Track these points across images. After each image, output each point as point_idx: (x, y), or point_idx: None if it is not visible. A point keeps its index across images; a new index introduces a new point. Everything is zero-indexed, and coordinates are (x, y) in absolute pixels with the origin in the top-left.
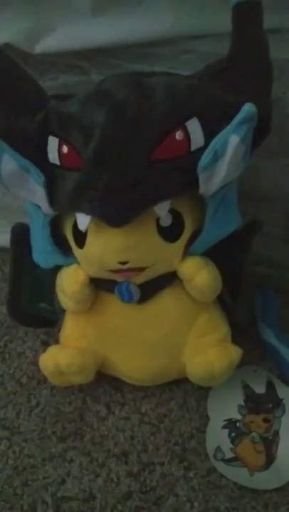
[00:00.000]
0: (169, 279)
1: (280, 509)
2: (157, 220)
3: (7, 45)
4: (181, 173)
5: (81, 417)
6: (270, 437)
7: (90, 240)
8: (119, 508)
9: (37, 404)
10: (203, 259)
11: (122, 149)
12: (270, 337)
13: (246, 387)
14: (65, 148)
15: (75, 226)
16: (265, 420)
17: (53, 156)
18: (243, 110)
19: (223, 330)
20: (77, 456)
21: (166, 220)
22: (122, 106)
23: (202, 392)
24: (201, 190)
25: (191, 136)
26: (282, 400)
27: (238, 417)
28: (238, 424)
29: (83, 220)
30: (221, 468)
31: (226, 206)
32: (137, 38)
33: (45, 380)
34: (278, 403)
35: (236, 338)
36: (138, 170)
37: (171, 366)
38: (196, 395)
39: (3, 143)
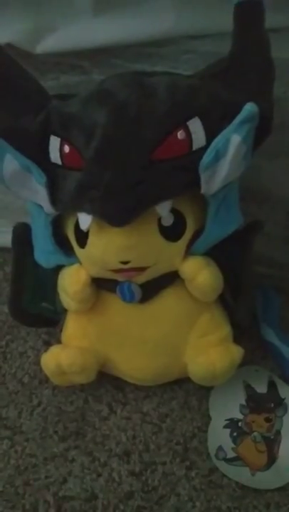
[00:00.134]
0: (171, 278)
1: (281, 509)
2: (159, 220)
3: (8, 45)
4: (183, 173)
5: (83, 416)
6: (272, 437)
7: (91, 239)
8: (121, 507)
9: (39, 404)
10: (204, 258)
11: (123, 149)
12: (272, 337)
13: (248, 387)
14: (66, 148)
15: (76, 226)
16: (267, 420)
17: (54, 156)
18: (245, 110)
19: (225, 330)
20: (79, 456)
21: (168, 220)
22: (123, 106)
23: (204, 391)
24: (203, 189)
25: (193, 136)
26: (283, 399)
27: (240, 416)
28: (239, 423)
29: (85, 220)
30: (223, 467)
31: (228, 206)
32: (138, 38)
33: (46, 379)
34: (280, 403)
35: (238, 337)
36: (139, 169)
37: (172, 366)
38: (197, 395)
39: (4, 143)
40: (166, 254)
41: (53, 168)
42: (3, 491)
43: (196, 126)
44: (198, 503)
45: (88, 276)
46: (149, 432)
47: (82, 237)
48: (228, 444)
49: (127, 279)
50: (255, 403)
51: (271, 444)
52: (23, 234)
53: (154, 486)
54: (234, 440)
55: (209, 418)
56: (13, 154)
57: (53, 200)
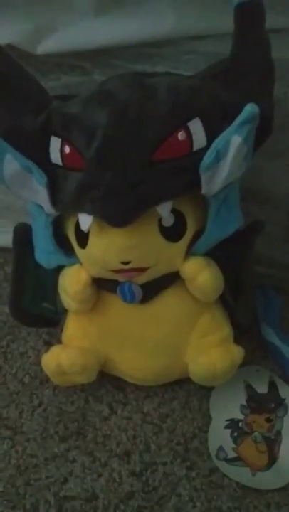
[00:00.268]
0: (172, 279)
1: (282, 509)
2: (159, 220)
3: (9, 46)
4: (183, 174)
5: (83, 416)
6: (273, 437)
7: (92, 240)
8: (122, 507)
9: (39, 404)
10: (205, 259)
11: (124, 150)
12: (272, 337)
13: (248, 387)
14: (67, 149)
15: (77, 226)
16: (268, 420)
17: (55, 157)
18: (245, 110)
19: (226, 330)
20: (80, 456)
21: (169, 220)
22: (124, 106)
23: (204, 392)
24: (203, 190)
25: (193, 137)
26: (284, 399)
27: (241, 416)
28: (240, 423)
29: (85, 220)
30: (224, 468)
31: (228, 206)
32: (139, 39)
33: (47, 379)
34: (280, 403)
35: (238, 338)
36: (140, 170)
37: (173, 366)
38: (198, 395)
39: (5, 143)
40: (166, 255)
41: (54, 168)
42: (4, 491)
43: (196, 126)
44: (198, 504)
45: (89, 276)
46: (149, 432)
47: (83, 238)
48: (228, 444)
49: (128, 280)
50: (255, 403)
51: (272, 444)
52: (23, 234)
53: (154, 486)
54: (235, 440)
55: (210, 418)
56: (13, 155)
57: (54, 200)
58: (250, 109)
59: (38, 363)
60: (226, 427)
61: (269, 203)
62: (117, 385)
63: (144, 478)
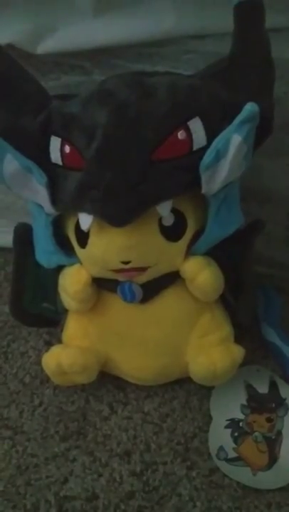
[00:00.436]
0: (172, 278)
1: (282, 509)
2: (160, 220)
3: (9, 46)
4: (183, 173)
5: (84, 416)
6: (273, 437)
7: (92, 239)
8: (122, 507)
9: (40, 404)
10: (205, 258)
11: (123, 149)
12: (273, 337)
13: (249, 387)
14: (67, 148)
15: (77, 226)
16: (268, 420)
17: (55, 156)
18: (245, 110)
19: (226, 329)
20: (80, 456)
21: (169, 220)
22: (123, 106)
23: (205, 391)
24: (204, 189)
25: (193, 136)
26: (285, 399)
27: (241, 416)
28: (240, 423)
29: (85, 220)
30: (224, 467)
31: (229, 205)
32: (139, 38)
33: (48, 379)
34: (281, 403)
35: (239, 337)
36: (140, 170)
37: (173, 366)
38: (198, 395)
39: (5, 143)
40: (166, 254)
41: (54, 168)
42: (5, 490)
43: (196, 126)
44: (199, 503)
45: (89, 276)
46: (150, 432)
47: (83, 237)
48: (229, 444)
49: (128, 279)
50: (256, 403)
51: (272, 444)
52: (24, 234)
53: (155, 486)
54: (235, 440)
55: (210, 418)
56: (13, 154)
57: (54, 200)
58: (250, 108)
59: (39, 363)
60: (227, 427)
61: (269, 203)
62: (118, 385)
63: (144, 478)
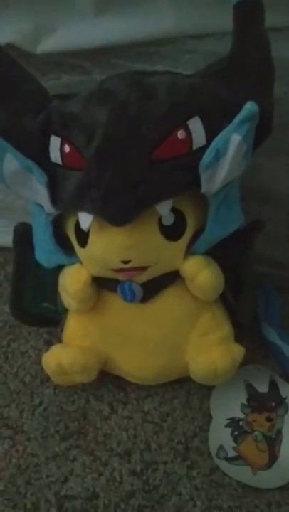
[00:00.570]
0: (172, 278)
1: (282, 508)
2: (159, 219)
3: (9, 46)
4: (183, 172)
5: (84, 416)
6: (273, 436)
7: (92, 239)
8: (123, 506)
9: (40, 404)
10: (205, 258)
11: (123, 149)
12: (273, 336)
13: (249, 386)
14: (67, 148)
15: (77, 225)
16: (268, 419)
17: (55, 156)
18: (245, 109)
19: (226, 329)
20: (81, 455)
21: (169, 219)
22: (123, 105)
23: (205, 391)
24: (203, 189)
25: (193, 135)
26: (284, 398)
27: (241, 415)
28: (240, 423)
29: (85, 220)
30: (224, 467)
31: (228, 205)
32: (139, 38)
33: (48, 379)
34: (281, 402)
35: (239, 337)
36: (140, 169)
37: (173, 365)
38: (198, 394)
39: (5, 143)
40: (166, 254)
41: (54, 167)
42: (5, 490)
43: (196, 125)
44: (199, 503)
45: (89, 275)
46: (150, 432)
47: (83, 237)
48: (229, 443)
49: (128, 279)
50: (256, 402)
51: (272, 443)
52: (24, 234)
53: (155, 485)
54: (235, 439)
55: (210, 417)
56: (13, 154)
57: (54, 199)
58: (249, 107)
59: (39, 363)
60: (227, 426)
61: (269, 202)
62: (118, 385)
63: (144, 478)
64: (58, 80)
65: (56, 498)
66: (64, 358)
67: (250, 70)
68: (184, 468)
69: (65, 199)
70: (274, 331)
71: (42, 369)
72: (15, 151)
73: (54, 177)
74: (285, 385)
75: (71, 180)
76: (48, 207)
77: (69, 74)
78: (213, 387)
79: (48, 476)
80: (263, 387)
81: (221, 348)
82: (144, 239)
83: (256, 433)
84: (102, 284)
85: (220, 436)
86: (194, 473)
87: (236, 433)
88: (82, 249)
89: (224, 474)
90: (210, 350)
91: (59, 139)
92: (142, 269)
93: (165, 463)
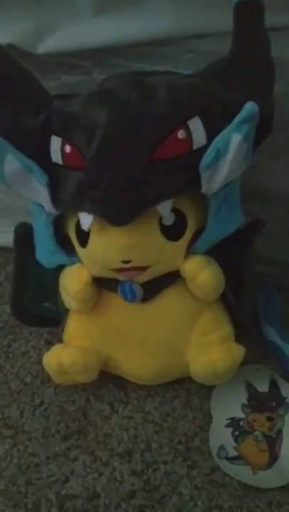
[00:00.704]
0: (172, 278)
1: (283, 507)
2: (160, 219)
3: (9, 46)
4: (183, 172)
5: (85, 415)
6: (274, 436)
7: (92, 239)
8: (123, 506)
9: (41, 403)
10: (205, 257)
11: (124, 149)
12: (273, 336)
13: (249, 386)
14: (67, 148)
15: (77, 225)
16: (269, 419)
17: (55, 156)
18: (245, 109)
19: (226, 329)
20: (81, 455)
21: (169, 219)
22: (124, 105)
23: (205, 391)
24: (204, 188)
25: (193, 135)
26: (285, 398)
27: (242, 415)
28: (241, 422)
29: (86, 220)
30: (225, 466)
31: (229, 205)
32: (139, 38)
33: (48, 379)
34: (282, 402)
35: (239, 336)
36: (140, 169)
37: (174, 365)
38: (199, 394)
39: (6, 143)
40: (167, 254)
41: (54, 168)
42: (6, 489)
43: (196, 125)
44: (199, 502)
45: (89, 275)
46: (150, 431)
47: (84, 237)
48: (229, 443)
49: (129, 279)
50: (256, 402)
51: (273, 443)
52: (24, 234)
53: (155, 485)
54: (236, 439)
55: (211, 417)
56: (14, 154)
57: (54, 199)
58: (249, 107)
59: (40, 363)
60: (227, 426)
61: (269, 202)
62: (119, 384)
63: (145, 477)
64: (58, 80)
65: (57, 497)
66: (65, 357)
67: (250, 70)
68: (184, 468)
69: (65, 199)
70: (274, 331)
71: (43, 369)
72: (15, 151)
73: (54, 177)
74: (285, 385)
75: (71, 180)
76: (49, 207)
77: (69, 74)
78: (214, 387)
79: (48, 476)
80: (263, 387)
81: (221, 347)
82: (144, 239)
83: (257, 433)
84: (102, 284)
85: (220, 436)
86: (195, 473)
87: (237, 433)
88: (83, 249)
89: (225, 474)
90: (210, 350)
91: (60, 139)
92: (143, 269)
93: (166, 463)
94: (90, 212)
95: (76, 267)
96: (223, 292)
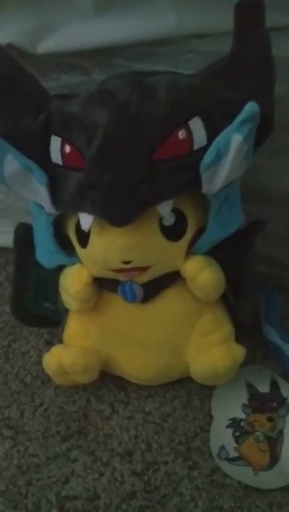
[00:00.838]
0: (173, 278)
1: (284, 508)
2: (160, 220)
3: (9, 46)
4: (184, 172)
5: (85, 416)
6: (275, 436)
7: (92, 239)
8: (124, 507)
9: (41, 404)
10: (206, 258)
11: (124, 149)
12: (274, 336)
13: (250, 387)
14: (67, 148)
15: (77, 226)
16: (269, 419)
17: (55, 156)
18: (246, 109)
19: (227, 329)
20: (82, 456)
21: (169, 219)
22: (124, 106)
23: (206, 391)
24: (204, 189)
25: (194, 135)
26: (286, 398)
27: (242, 416)
28: (242, 423)
29: (86, 220)
30: (225, 467)
31: (229, 205)
32: (139, 38)
33: (49, 379)
34: (282, 402)
35: (240, 337)
36: (140, 169)
37: (174, 365)
38: (199, 394)
39: (5, 143)
40: (167, 254)
41: (54, 168)
42: (6, 490)
43: (196, 125)
44: (200, 503)
45: (90, 276)
46: (151, 432)
47: (84, 237)
48: (230, 443)
49: (129, 279)
50: (257, 403)
51: (274, 443)
52: (24, 234)
53: (156, 485)
54: (236, 440)
55: (211, 418)
56: (14, 154)
57: (54, 200)
58: (250, 107)
59: (40, 363)
60: (228, 427)
61: (270, 202)
62: (119, 385)
63: (145, 478)
64: (58, 80)
65: (57, 498)
66: (65, 358)
67: (250, 70)
68: (185, 468)
69: (65, 199)
70: (274, 331)
71: (43, 369)
72: (15, 152)
73: (54, 177)
74: (286, 385)
75: (71, 180)
76: (49, 207)
77: (69, 74)
78: (214, 387)
79: (49, 477)
80: (264, 388)
81: (221, 348)
82: (144, 239)
83: (257, 433)
84: (102, 285)
85: (221, 436)
86: (195, 473)
87: (237, 433)
88: (83, 250)
89: (225, 475)
90: (211, 350)
91: (59, 139)
92: (143, 269)
93: (166, 463)
94: (90, 212)
95: (76, 267)
96: (224, 292)
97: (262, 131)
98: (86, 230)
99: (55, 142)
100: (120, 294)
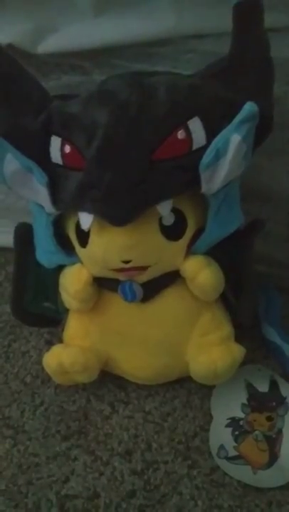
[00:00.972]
0: (172, 278)
1: (283, 507)
2: (160, 219)
3: (9, 46)
4: (183, 172)
5: (85, 415)
6: (274, 436)
7: (92, 239)
8: (124, 506)
9: (41, 403)
10: (205, 258)
11: (124, 149)
12: (273, 336)
13: (249, 386)
14: (67, 148)
15: (77, 225)
16: (269, 419)
17: (55, 156)
18: (244, 109)
19: (226, 329)
20: (82, 455)
21: (169, 219)
22: (124, 106)
23: (205, 390)
24: (203, 189)
25: (193, 135)
26: (285, 398)
27: (242, 415)
28: (241, 422)
29: (86, 220)
30: (225, 466)
31: (229, 205)
32: (139, 38)
33: (49, 379)
34: (281, 402)
35: (239, 337)
36: (140, 169)
37: (174, 365)
38: (199, 394)
39: (6, 143)
40: (167, 254)
41: (54, 168)
42: (6, 489)
43: (196, 125)
44: (200, 502)
45: (90, 275)
46: (151, 431)
47: (84, 237)
48: (229, 442)
49: (129, 279)
50: (256, 402)
51: (273, 442)
52: (24, 234)
53: (156, 484)
54: (236, 439)
55: (211, 417)
56: (14, 154)
57: (54, 200)
58: (249, 107)
59: (40, 363)
60: (227, 426)
61: (269, 202)
62: (119, 384)
63: (145, 477)
64: (59, 81)
65: (57, 497)
66: (65, 357)
67: (249, 70)
68: (184, 467)
69: (65, 199)
70: (274, 331)
71: (43, 369)
72: (15, 151)
73: (54, 177)
74: (285, 385)
75: (72, 180)
76: (49, 207)
77: (69, 74)
78: (214, 386)
79: (49, 476)
80: (263, 387)
81: (221, 348)
82: (144, 239)
83: (257, 432)
84: (102, 284)
85: (220, 435)
86: (195, 472)
87: (237, 432)
88: (83, 249)
89: (225, 474)
90: (210, 350)
91: (59, 139)
92: (143, 269)
93: (166, 462)
94: (90, 212)
95: (76, 266)
96: (223, 292)
97: (261, 131)
98: (86, 230)
99: (55, 142)
100: (120, 293)
